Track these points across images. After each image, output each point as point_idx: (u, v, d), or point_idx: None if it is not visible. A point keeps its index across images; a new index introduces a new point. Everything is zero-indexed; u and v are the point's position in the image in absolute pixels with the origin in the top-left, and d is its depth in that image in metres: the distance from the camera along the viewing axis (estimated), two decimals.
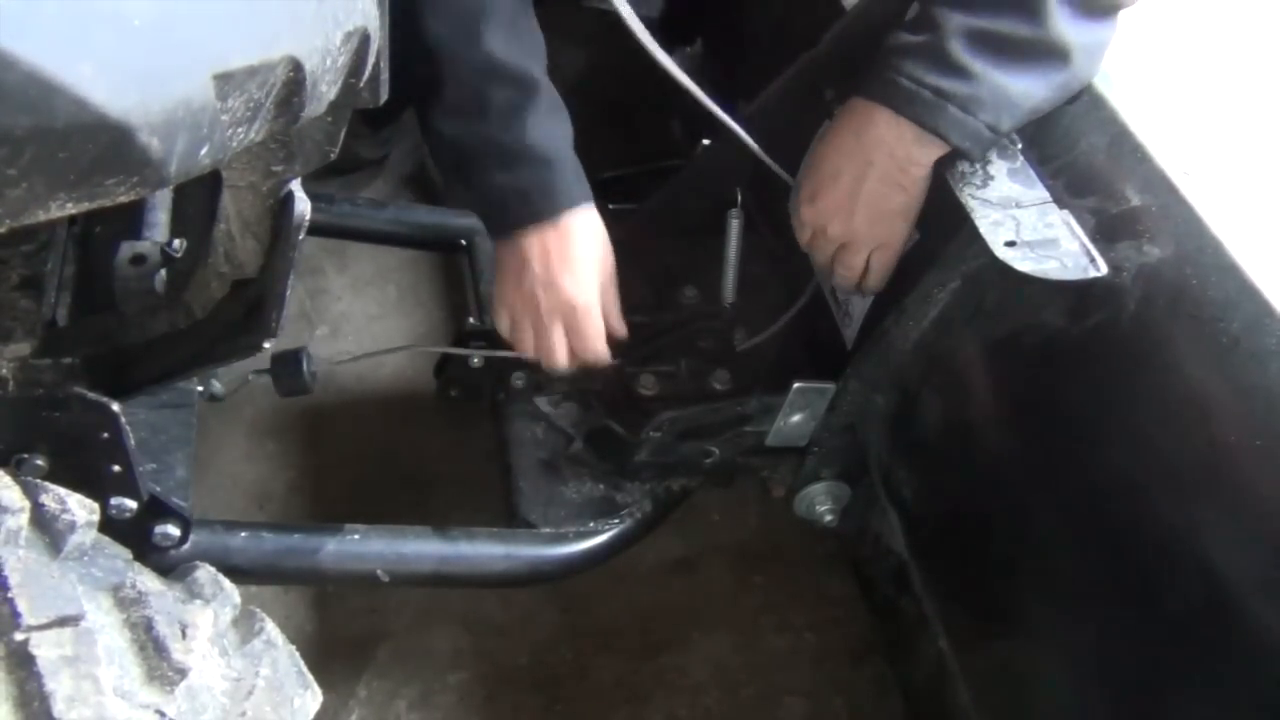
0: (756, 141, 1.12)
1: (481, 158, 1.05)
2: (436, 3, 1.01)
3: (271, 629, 0.83)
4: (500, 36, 1.01)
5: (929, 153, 0.96)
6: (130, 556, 0.78)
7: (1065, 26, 0.90)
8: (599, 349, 1.10)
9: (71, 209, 0.51)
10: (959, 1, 0.91)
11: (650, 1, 1.43)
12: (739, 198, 1.12)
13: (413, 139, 1.76)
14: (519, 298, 1.09)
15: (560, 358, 1.10)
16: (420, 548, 1.10)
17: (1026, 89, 0.92)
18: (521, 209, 1.06)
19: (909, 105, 0.93)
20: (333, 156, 0.79)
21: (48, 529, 0.69)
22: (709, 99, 1.02)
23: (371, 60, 0.71)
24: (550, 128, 1.04)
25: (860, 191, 1.01)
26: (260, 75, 0.56)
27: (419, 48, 1.04)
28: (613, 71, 1.28)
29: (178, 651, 0.71)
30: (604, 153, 1.09)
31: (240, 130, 0.57)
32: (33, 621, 0.62)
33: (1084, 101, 0.97)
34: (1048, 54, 0.91)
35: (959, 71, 0.91)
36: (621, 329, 1.13)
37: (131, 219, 1.10)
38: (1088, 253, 0.89)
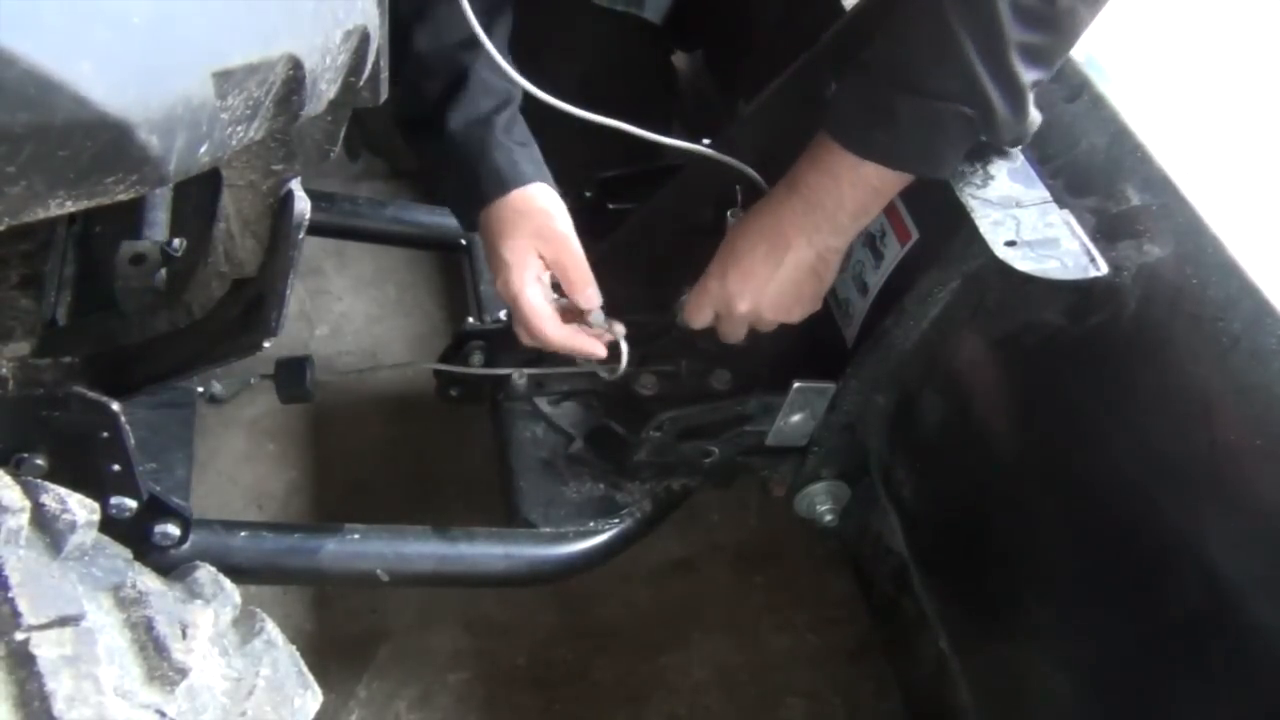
0: (756, 141, 1.12)
1: (427, 155, 1.08)
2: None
3: (272, 629, 0.82)
4: (428, 30, 1.01)
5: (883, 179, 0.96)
6: (130, 556, 0.78)
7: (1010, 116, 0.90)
8: (536, 332, 1.04)
9: (71, 207, 0.51)
10: (909, 84, 0.90)
11: (659, 6, 1.43)
12: (739, 198, 1.12)
13: None
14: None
15: (522, 343, 1.09)
16: (420, 548, 1.10)
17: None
18: (459, 208, 1.09)
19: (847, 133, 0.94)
20: (332, 155, 0.79)
21: (48, 529, 0.69)
22: (642, 130, 1.01)
23: (371, 59, 0.71)
24: (473, 117, 1.04)
25: (778, 277, 1.02)
26: (260, 73, 0.56)
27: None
28: (614, 71, 1.27)
29: (178, 651, 0.71)
30: (604, 153, 1.09)
31: (240, 128, 0.57)
32: (33, 621, 0.61)
33: (1084, 101, 0.97)
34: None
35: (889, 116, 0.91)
36: (587, 301, 1.06)
37: (131, 218, 1.10)
38: (1088, 252, 0.89)
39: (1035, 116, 0.92)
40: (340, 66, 0.67)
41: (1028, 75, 0.87)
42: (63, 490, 0.71)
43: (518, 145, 1.06)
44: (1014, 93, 0.88)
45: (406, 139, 1.12)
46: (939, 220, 0.98)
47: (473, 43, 0.99)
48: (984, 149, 0.95)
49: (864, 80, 0.94)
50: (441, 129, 1.04)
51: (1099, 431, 0.87)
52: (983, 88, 0.86)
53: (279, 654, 0.81)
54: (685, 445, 1.16)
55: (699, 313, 1.09)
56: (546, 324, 1.03)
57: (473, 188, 1.05)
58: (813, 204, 0.99)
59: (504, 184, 1.04)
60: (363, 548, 1.07)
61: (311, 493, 1.45)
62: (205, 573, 0.85)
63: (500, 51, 0.99)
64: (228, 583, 0.85)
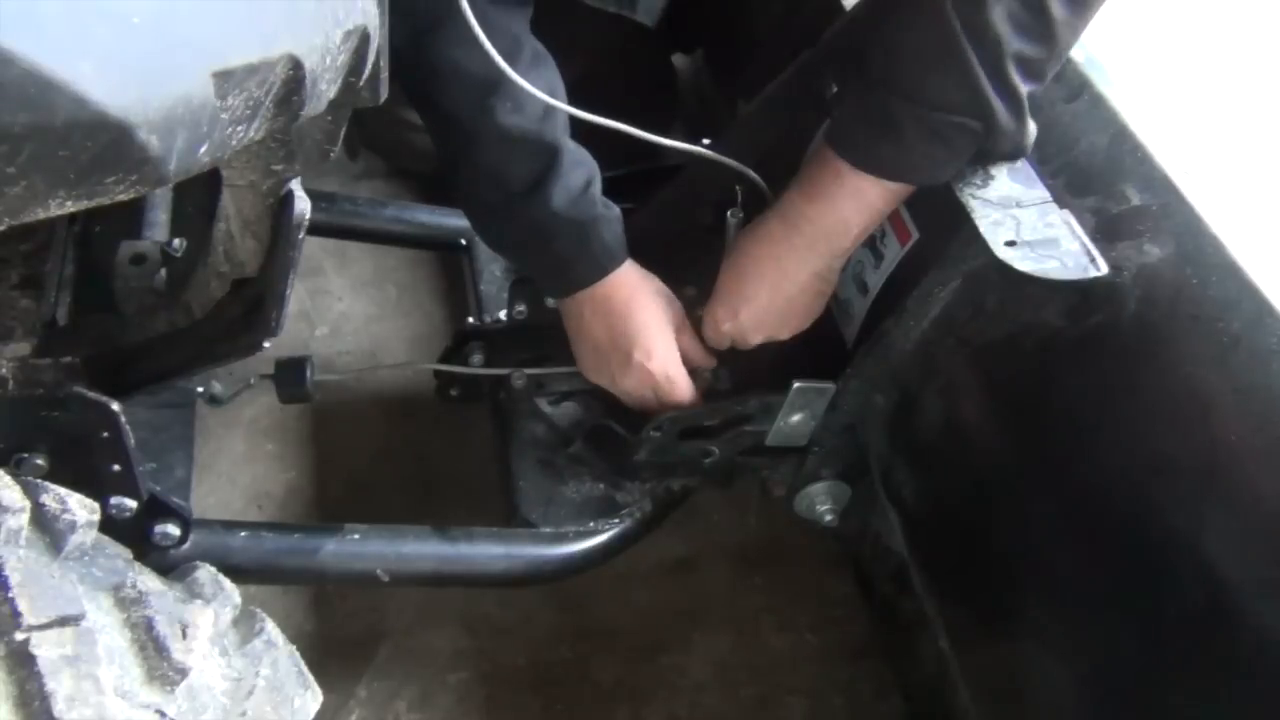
0: (756, 141, 1.12)
1: (515, 234, 1.07)
2: (446, 80, 0.99)
3: (271, 629, 0.83)
4: (509, 108, 0.98)
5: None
6: (130, 556, 0.78)
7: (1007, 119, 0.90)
8: (680, 402, 1.12)
9: (71, 207, 0.51)
10: (912, 96, 0.89)
11: (652, 8, 1.43)
12: (739, 197, 1.12)
13: None
14: (598, 369, 1.14)
15: (653, 409, 1.14)
16: (420, 548, 1.10)
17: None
18: (562, 279, 1.09)
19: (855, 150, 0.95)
20: (333, 155, 0.79)
21: (48, 529, 0.69)
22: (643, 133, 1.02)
23: (371, 59, 0.71)
24: (574, 192, 1.03)
25: (785, 307, 1.07)
26: (260, 73, 0.56)
27: (436, 125, 1.04)
28: (611, 72, 1.27)
29: (178, 651, 0.71)
30: (604, 153, 1.09)
31: (240, 128, 0.57)
32: (33, 621, 0.62)
33: (1084, 101, 0.97)
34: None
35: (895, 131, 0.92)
36: (708, 362, 1.15)
37: (131, 218, 1.10)
38: (1088, 252, 0.89)
39: (1032, 128, 0.92)
40: (340, 66, 0.67)
41: (1024, 87, 0.87)
42: (63, 490, 0.71)
43: (616, 216, 1.08)
44: (1015, 103, 0.88)
45: (482, 221, 1.11)
46: (939, 220, 0.98)
47: (551, 114, 0.99)
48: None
49: (865, 94, 0.93)
50: (538, 207, 1.02)
51: (1099, 432, 0.87)
52: (986, 98, 0.86)
53: (279, 654, 0.82)
54: (685, 445, 1.16)
55: (717, 344, 1.14)
56: (689, 394, 1.12)
57: (581, 263, 1.06)
58: (813, 236, 1.01)
59: (615, 258, 1.07)
60: (363, 548, 1.07)
61: (311, 493, 1.45)
62: (205, 573, 0.85)
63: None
64: (228, 583, 0.85)
